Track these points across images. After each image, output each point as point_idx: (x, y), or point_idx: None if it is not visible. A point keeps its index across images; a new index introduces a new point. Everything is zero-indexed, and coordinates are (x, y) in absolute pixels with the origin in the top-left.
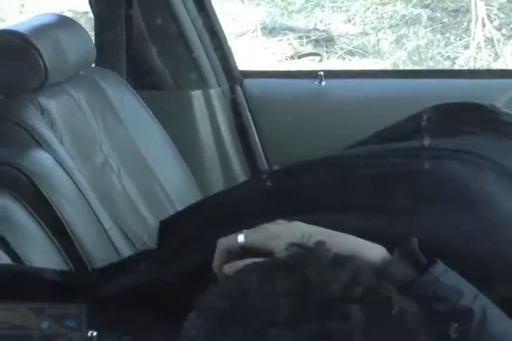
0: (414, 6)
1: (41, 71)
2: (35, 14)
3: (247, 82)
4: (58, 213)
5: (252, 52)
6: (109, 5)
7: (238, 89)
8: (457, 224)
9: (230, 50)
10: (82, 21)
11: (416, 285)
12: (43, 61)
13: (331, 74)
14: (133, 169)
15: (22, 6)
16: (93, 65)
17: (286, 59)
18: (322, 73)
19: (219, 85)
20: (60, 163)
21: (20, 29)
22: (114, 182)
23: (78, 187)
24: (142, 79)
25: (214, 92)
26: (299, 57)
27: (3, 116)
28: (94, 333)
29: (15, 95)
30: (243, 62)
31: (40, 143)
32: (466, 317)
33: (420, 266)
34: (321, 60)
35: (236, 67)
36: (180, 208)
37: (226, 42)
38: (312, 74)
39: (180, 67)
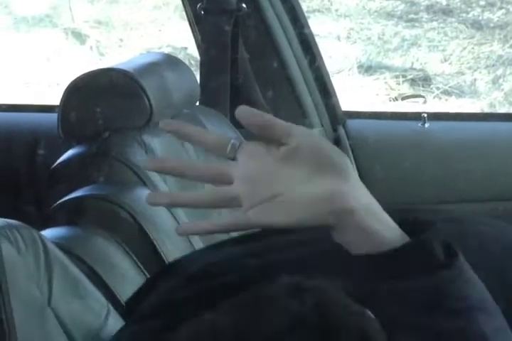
0: (511, 47)
1: (146, 110)
2: (133, 49)
3: (350, 122)
4: (160, 251)
5: (348, 90)
6: (217, 49)
7: (341, 129)
8: None
9: (333, 90)
10: (180, 56)
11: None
12: (149, 100)
13: (434, 116)
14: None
15: (121, 40)
16: (197, 104)
17: (390, 100)
18: (425, 115)
19: (322, 125)
20: None
21: (127, 67)
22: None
23: None
24: None
25: (317, 132)
26: (403, 98)
27: (108, 154)
28: None
29: (120, 132)
30: (343, 101)
31: (144, 180)
32: None
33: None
34: (424, 102)
35: (339, 107)
36: None
37: (330, 82)
38: (415, 116)
39: (283, 108)
